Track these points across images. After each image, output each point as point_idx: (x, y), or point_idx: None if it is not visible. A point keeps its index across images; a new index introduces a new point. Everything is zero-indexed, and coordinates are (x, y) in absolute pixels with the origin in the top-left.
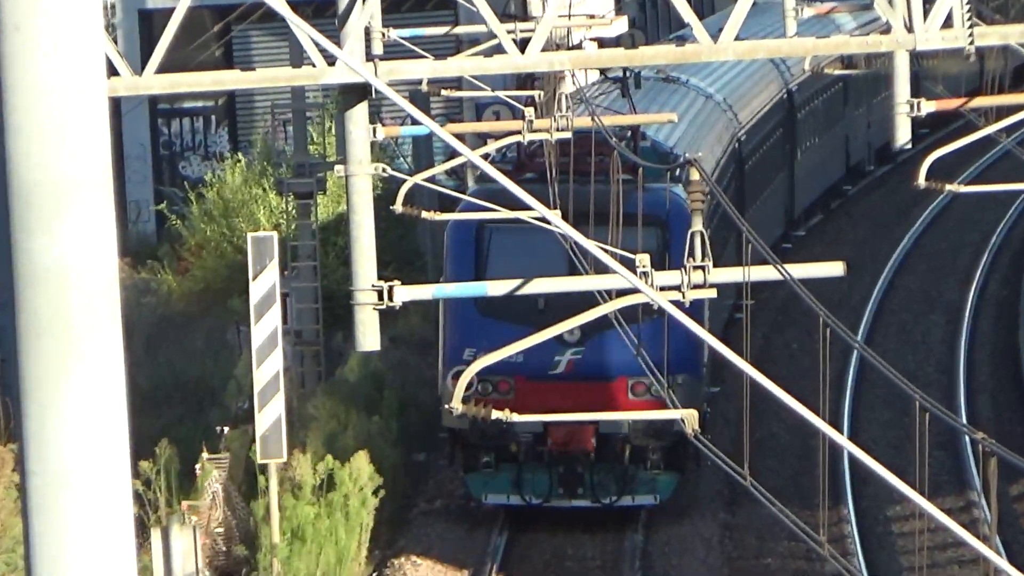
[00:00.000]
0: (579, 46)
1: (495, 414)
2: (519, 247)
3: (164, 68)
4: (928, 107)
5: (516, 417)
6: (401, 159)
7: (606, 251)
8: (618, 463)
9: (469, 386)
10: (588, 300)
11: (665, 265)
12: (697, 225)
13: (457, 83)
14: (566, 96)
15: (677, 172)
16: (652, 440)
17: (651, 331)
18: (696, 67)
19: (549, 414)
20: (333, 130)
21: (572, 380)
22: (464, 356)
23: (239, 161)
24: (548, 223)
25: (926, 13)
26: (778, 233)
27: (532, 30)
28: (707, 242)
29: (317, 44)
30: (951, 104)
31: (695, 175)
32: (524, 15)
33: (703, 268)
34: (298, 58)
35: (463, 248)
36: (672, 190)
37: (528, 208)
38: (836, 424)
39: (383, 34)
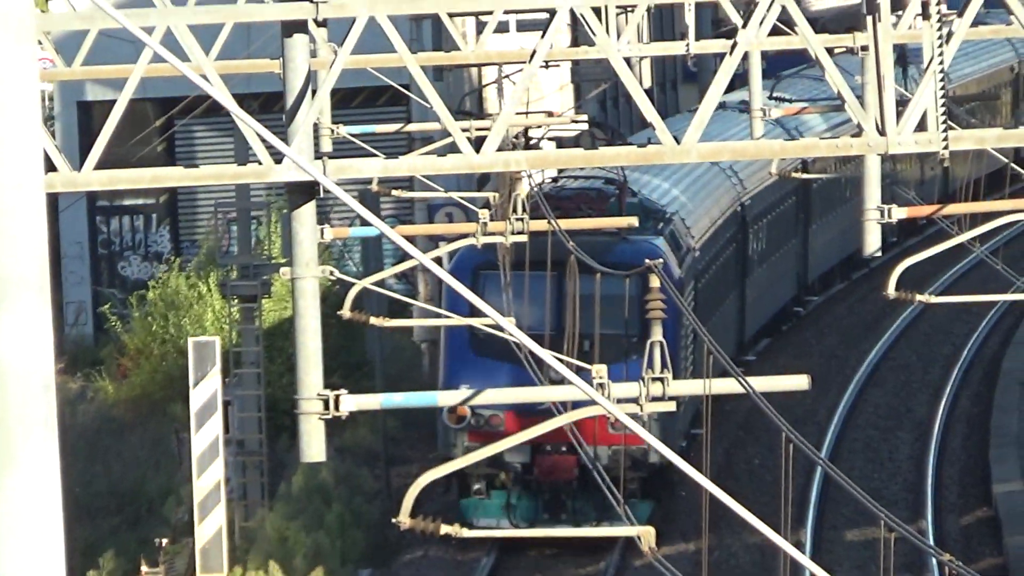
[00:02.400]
0: (537, 145)
1: (443, 529)
2: (510, 289)
3: (103, 163)
4: (899, 213)
5: (466, 533)
6: (349, 262)
7: (561, 361)
8: (598, 492)
9: (461, 419)
10: (579, 338)
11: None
12: (656, 335)
13: (409, 183)
14: (522, 198)
15: (659, 226)
16: (630, 471)
17: (634, 369)
18: (708, 134)
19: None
20: (279, 230)
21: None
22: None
23: (180, 261)
24: (502, 330)
25: (899, 115)
26: (789, 297)
27: (488, 128)
28: (667, 352)
29: (263, 140)
30: (923, 211)
31: (654, 282)
32: (480, 112)
33: (662, 380)
34: (243, 154)
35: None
36: (653, 242)
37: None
38: (798, 543)
39: (332, 130)
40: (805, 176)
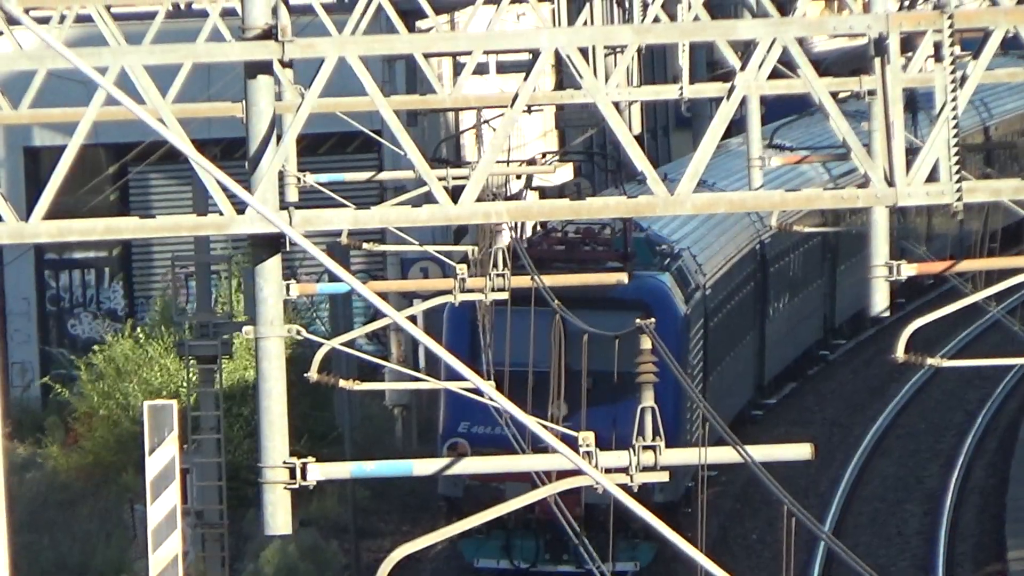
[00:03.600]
0: (518, 196)
1: None
2: (515, 329)
3: (52, 213)
4: (909, 270)
5: None
6: (317, 320)
7: (547, 428)
8: (602, 531)
9: (462, 456)
10: (575, 378)
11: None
12: (648, 400)
13: (380, 236)
14: (503, 251)
15: (666, 261)
16: (626, 516)
17: (635, 407)
18: (725, 169)
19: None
20: (241, 286)
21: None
22: (459, 428)
23: (132, 322)
24: (481, 395)
25: (909, 165)
26: (814, 340)
27: (466, 177)
28: (659, 418)
29: (225, 189)
30: (934, 268)
31: (646, 343)
32: (457, 160)
33: (654, 448)
34: (203, 204)
35: (459, 327)
36: (658, 277)
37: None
38: None
39: (299, 179)
40: (808, 230)
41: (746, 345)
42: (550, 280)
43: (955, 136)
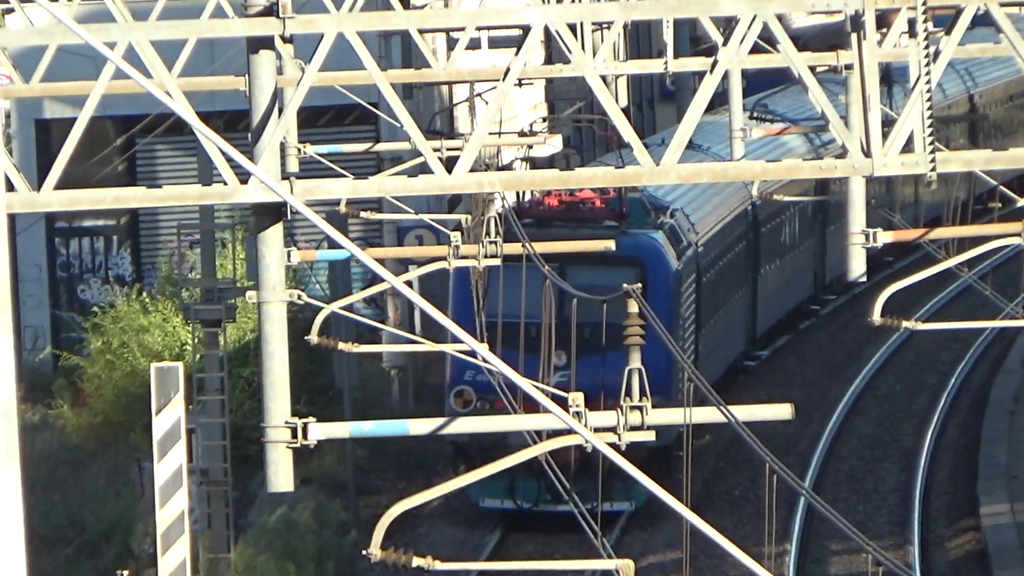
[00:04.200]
0: (510, 166)
1: (416, 561)
2: (515, 283)
3: (63, 183)
4: (884, 238)
5: (439, 565)
6: (316, 285)
7: (539, 389)
8: (598, 474)
9: (468, 404)
10: (580, 327)
11: (646, 303)
12: (635, 362)
13: (377, 205)
14: (495, 219)
15: (660, 220)
16: (628, 455)
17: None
18: (719, 135)
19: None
20: (243, 252)
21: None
22: (465, 377)
23: (139, 287)
24: (475, 356)
25: (885, 136)
26: (805, 296)
27: (460, 148)
28: (646, 379)
29: (229, 159)
30: (909, 235)
31: (633, 306)
32: (451, 132)
33: (641, 409)
34: (207, 174)
35: (464, 285)
36: (651, 235)
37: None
38: None
39: (299, 150)
40: (787, 199)
41: (739, 300)
42: (541, 247)
43: (929, 108)
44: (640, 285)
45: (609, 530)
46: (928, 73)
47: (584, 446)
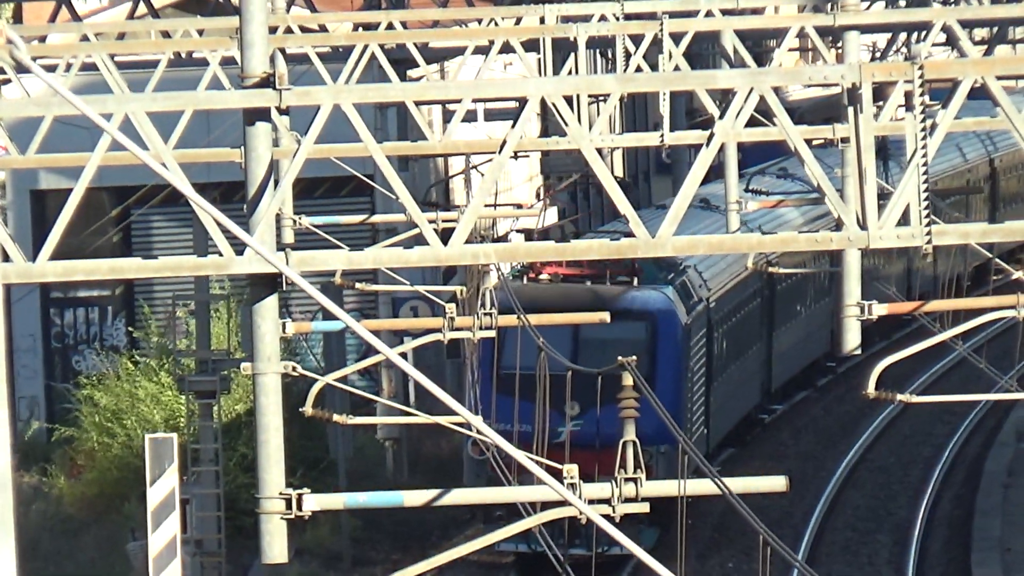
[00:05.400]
0: (505, 238)
1: None
2: (532, 340)
3: (58, 254)
4: (880, 310)
5: None
6: (311, 357)
7: (534, 461)
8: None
9: (483, 452)
10: (591, 377)
11: (655, 355)
12: (630, 435)
13: (372, 276)
14: (490, 291)
15: (671, 276)
16: (634, 499)
17: (641, 406)
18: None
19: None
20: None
21: (572, 448)
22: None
23: (132, 358)
24: (470, 428)
25: (880, 209)
26: (821, 352)
27: (455, 220)
28: (639, 452)
29: (224, 230)
30: (904, 308)
31: (628, 380)
32: (447, 204)
33: (635, 481)
34: (203, 245)
35: (487, 340)
36: (662, 290)
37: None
38: None
39: (295, 221)
40: (783, 271)
41: (753, 355)
42: (536, 319)
43: (925, 182)
44: (636, 358)
45: (619, 572)
46: (924, 146)
47: (578, 518)
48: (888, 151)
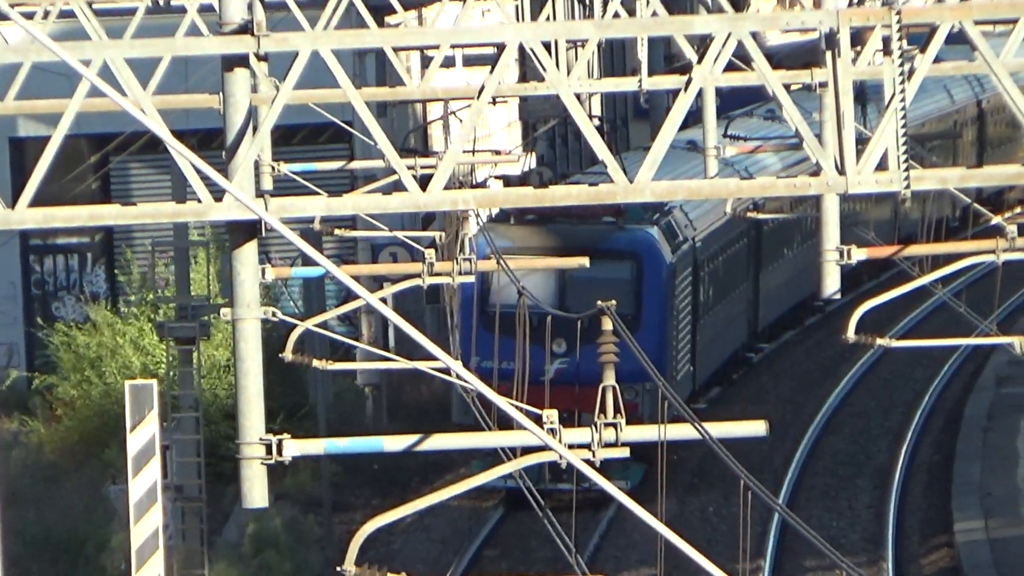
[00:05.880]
0: (484, 184)
1: None
2: (520, 273)
3: (37, 201)
4: (859, 255)
5: None
6: (290, 302)
7: (514, 407)
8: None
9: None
10: (574, 320)
11: (641, 294)
12: (609, 379)
13: (351, 222)
14: (470, 238)
15: (656, 216)
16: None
17: (627, 344)
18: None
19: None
20: (217, 270)
21: (559, 384)
22: (470, 364)
23: (114, 303)
24: (449, 373)
25: (859, 154)
26: (808, 292)
27: (434, 166)
28: (620, 397)
29: (203, 177)
30: (883, 252)
31: (607, 324)
32: (425, 150)
33: (615, 426)
34: (182, 192)
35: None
36: (647, 230)
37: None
38: None
39: (273, 168)
40: (764, 216)
41: (740, 294)
42: (515, 263)
43: (903, 127)
44: (615, 302)
45: (584, 547)
46: (903, 91)
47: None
48: (867, 96)
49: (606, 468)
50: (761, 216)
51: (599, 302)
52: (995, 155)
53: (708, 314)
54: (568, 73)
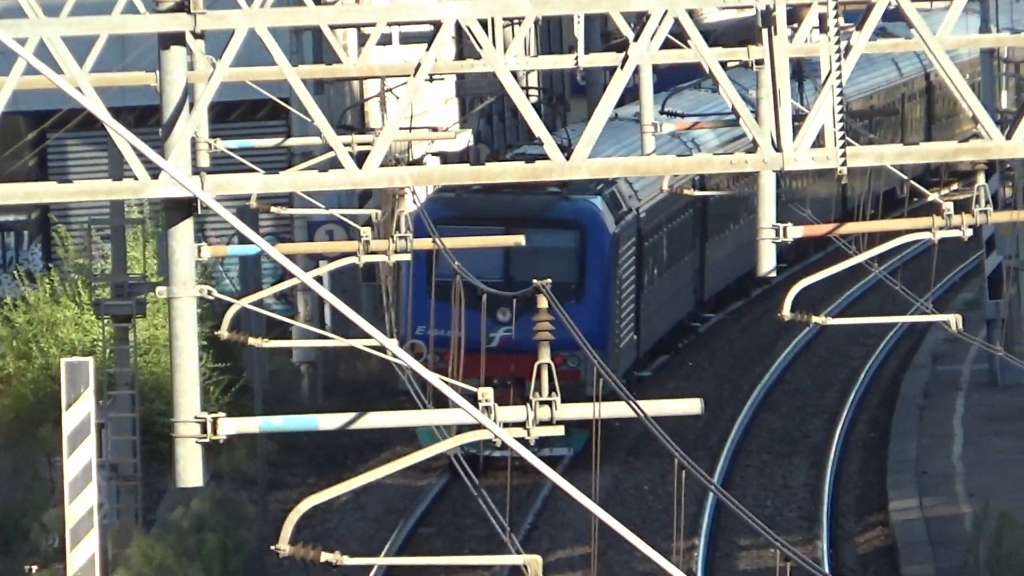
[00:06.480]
0: (421, 161)
1: (324, 557)
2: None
3: None
4: (795, 232)
5: (347, 560)
6: (227, 281)
7: (448, 384)
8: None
9: (419, 356)
10: (522, 285)
11: (584, 263)
12: (544, 357)
13: (288, 200)
14: (406, 216)
15: (600, 187)
16: (565, 403)
17: (571, 312)
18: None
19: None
20: (154, 248)
21: (503, 352)
22: (417, 332)
23: (51, 281)
24: (385, 352)
25: (795, 131)
26: (752, 266)
27: (370, 143)
28: (555, 375)
29: (140, 154)
30: (819, 230)
31: (543, 303)
32: (362, 127)
33: (550, 404)
34: (118, 170)
35: (420, 265)
36: (591, 200)
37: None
38: (690, 572)
39: (210, 145)
40: (699, 193)
41: (685, 264)
42: (451, 242)
43: (840, 103)
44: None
45: (519, 526)
46: (839, 69)
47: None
48: (803, 73)
49: (547, 437)
50: (696, 194)
51: (535, 281)
52: (943, 127)
53: (653, 284)
54: (505, 50)
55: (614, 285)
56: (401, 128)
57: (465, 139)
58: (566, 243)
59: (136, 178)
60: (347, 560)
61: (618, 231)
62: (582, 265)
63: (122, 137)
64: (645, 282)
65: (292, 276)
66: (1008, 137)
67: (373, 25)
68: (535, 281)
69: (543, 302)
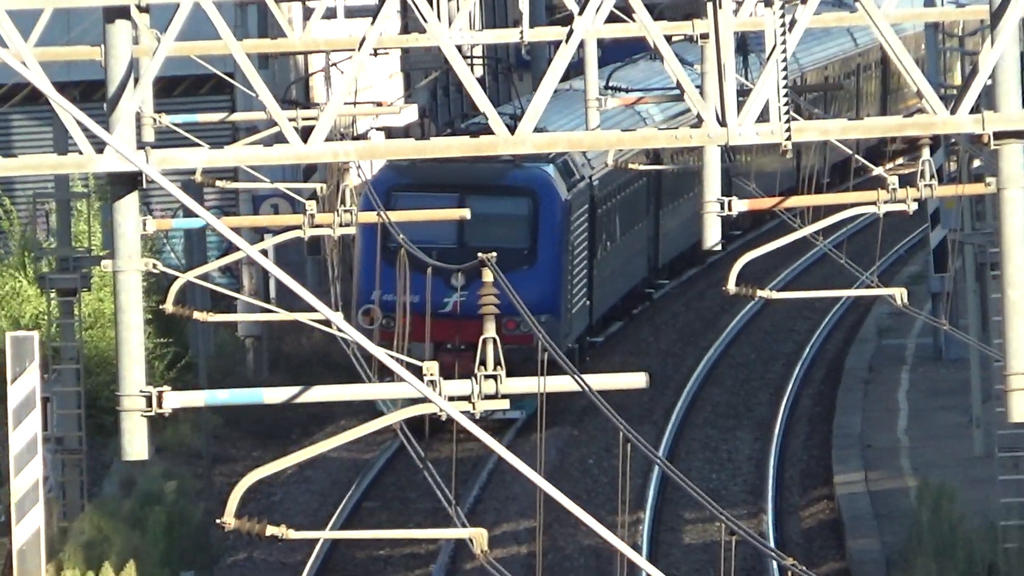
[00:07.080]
0: (365, 135)
1: (269, 530)
2: (420, 207)
3: None
4: (740, 206)
5: (292, 534)
6: (172, 254)
7: (394, 359)
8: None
9: (374, 320)
10: (474, 254)
11: (537, 229)
12: (490, 331)
13: (233, 174)
14: (350, 189)
15: (552, 155)
16: (519, 367)
17: (523, 278)
18: (635, 81)
19: (438, 344)
20: (99, 221)
21: (457, 317)
22: (371, 297)
23: None
24: (330, 325)
25: (740, 106)
26: (696, 241)
27: (315, 118)
28: (500, 349)
29: (84, 129)
30: (764, 204)
31: (488, 276)
32: (307, 102)
33: (495, 378)
34: (63, 144)
35: (370, 234)
36: (543, 168)
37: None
38: (635, 546)
39: (155, 119)
40: (652, 168)
41: (639, 231)
42: (396, 216)
43: (785, 78)
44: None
45: (464, 500)
46: (784, 43)
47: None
48: (748, 47)
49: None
50: (642, 168)
51: (480, 255)
52: (899, 98)
53: (606, 250)
54: (449, 24)
55: (566, 251)
56: (346, 103)
57: (411, 113)
58: (519, 210)
59: (81, 152)
60: (292, 534)
61: (570, 198)
62: (534, 231)
63: (67, 111)
64: (598, 249)
65: (237, 250)
66: (952, 112)
67: None
68: (480, 255)
69: (488, 275)
